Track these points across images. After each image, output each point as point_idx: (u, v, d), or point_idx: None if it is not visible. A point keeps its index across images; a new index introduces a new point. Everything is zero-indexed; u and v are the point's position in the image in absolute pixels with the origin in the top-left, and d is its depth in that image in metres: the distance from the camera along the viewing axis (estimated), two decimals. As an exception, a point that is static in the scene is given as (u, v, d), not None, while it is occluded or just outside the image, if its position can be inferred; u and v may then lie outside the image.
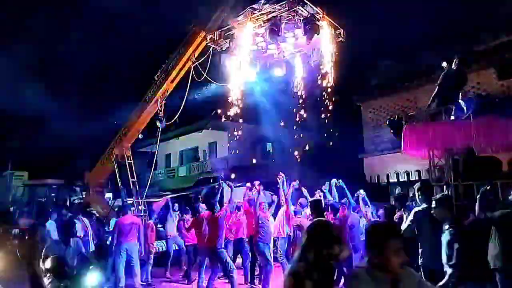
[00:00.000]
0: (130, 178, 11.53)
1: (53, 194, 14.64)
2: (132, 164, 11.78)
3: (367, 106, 16.50)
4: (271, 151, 24.27)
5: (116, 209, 10.89)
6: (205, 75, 10.33)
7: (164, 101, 11.17)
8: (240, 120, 11.60)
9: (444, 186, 7.44)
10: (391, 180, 14.25)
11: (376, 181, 14.76)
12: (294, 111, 11.07)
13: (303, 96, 10.44)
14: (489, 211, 4.94)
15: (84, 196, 12.91)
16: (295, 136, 19.20)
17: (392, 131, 7.89)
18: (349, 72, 17.36)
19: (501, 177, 7.42)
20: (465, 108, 6.95)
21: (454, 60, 7.58)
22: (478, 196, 5.00)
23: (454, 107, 7.15)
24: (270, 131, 21.23)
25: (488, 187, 5.08)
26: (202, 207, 8.57)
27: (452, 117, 7.14)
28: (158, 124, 11.15)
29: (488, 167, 7.65)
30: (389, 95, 15.56)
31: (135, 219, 8.29)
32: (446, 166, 7.37)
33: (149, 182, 11.97)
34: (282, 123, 17.28)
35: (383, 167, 14.65)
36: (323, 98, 10.32)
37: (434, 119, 7.49)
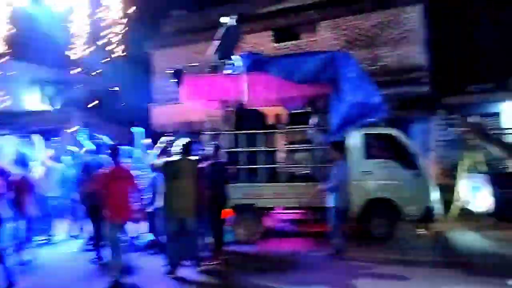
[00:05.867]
0: None
1: None
2: None
3: (159, 54, 16.25)
4: (51, 95, 21.58)
5: None
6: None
7: None
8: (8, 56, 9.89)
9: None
10: (177, 129, 14.63)
11: (164, 131, 14.94)
12: (79, 53, 10.03)
13: (90, 38, 9.52)
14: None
15: None
16: (81, 82, 17.56)
17: (173, 80, 7.98)
18: (140, 19, 16.59)
19: (266, 128, 8.53)
20: (240, 64, 7.53)
21: (233, 17, 8.09)
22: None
23: (230, 61, 7.67)
24: (50, 73, 18.80)
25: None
26: None
27: (229, 71, 7.66)
28: None
29: (257, 119, 8.62)
30: (181, 46, 15.67)
31: None
32: (220, 116, 7.99)
33: None
34: (66, 66, 15.49)
35: (172, 117, 14.90)
36: (112, 43, 9.65)
37: (213, 72, 7.90)
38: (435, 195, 7.51)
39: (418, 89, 12.17)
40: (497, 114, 12.99)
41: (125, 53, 10.31)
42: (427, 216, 7.44)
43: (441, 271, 5.91)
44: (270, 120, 8.59)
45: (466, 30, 14.91)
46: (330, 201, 6.60)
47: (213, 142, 7.28)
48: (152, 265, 6.43)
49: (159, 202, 6.07)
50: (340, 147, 6.97)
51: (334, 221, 6.55)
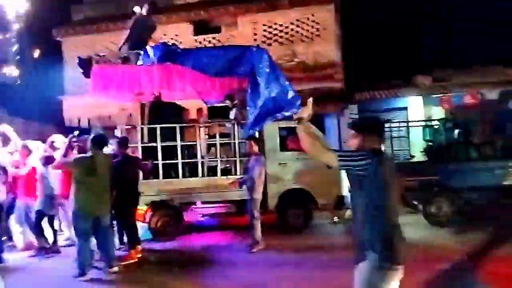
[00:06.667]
0: None
1: None
2: None
3: (69, 42, 15.18)
4: None
5: None
6: None
7: None
8: None
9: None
10: (92, 124, 13.88)
11: (78, 125, 14.07)
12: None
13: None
14: None
15: None
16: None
17: (81, 70, 7.50)
18: (49, 4, 15.41)
19: (184, 122, 8.43)
20: (151, 55, 7.28)
21: (145, 7, 7.80)
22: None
23: (142, 52, 7.39)
24: None
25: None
26: None
27: (140, 62, 7.38)
28: None
29: (175, 113, 8.45)
30: (95, 34, 14.79)
31: None
32: (135, 109, 7.70)
33: None
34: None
35: (86, 110, 14.06)
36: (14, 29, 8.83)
37: (124, 63, 7.55)
38: (346, 185, 7.95)
39: (332, 84, 12.77)
40: (405, 109, 14.15)
41: (30, 41, 9.51)
42: (339, 204, 7.89)
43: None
44: (191, 114, 8.49)
45: (376, 29, 15.99)
46: (248, 194, 6.70)
47: (121, 136, 7.01)
48: (61, 267, 6.04)
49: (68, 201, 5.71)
50: (256, 140, 7.09)
51: (251, 213, 6.66)
